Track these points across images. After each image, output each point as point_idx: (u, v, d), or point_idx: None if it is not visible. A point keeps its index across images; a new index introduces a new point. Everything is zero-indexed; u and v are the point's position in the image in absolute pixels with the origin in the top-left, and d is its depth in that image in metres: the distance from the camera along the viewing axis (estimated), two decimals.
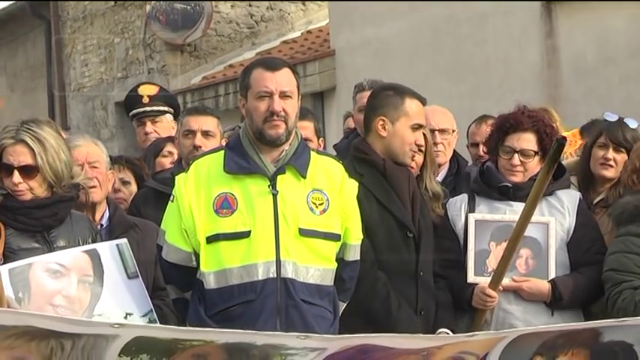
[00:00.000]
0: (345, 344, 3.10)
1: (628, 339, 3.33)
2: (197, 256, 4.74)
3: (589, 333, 3.42)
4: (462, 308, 5.35)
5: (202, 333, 3.25)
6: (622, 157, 5.89)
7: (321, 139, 7.22)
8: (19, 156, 4.68)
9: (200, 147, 5.82)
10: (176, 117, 7.86)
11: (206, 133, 6.01)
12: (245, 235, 4.58)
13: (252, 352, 3.08)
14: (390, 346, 3.17)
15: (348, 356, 3.08)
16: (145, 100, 8.13)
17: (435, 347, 3.23)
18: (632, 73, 11.34)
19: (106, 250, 4.82)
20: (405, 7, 15.00)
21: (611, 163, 5.87)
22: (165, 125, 7.90)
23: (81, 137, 6.49)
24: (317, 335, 3.54)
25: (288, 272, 4.60)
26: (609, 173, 5.86)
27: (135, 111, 8.14)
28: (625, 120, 6.30)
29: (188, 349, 3.05)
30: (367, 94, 6.19)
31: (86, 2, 21.06)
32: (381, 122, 5.33)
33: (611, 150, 5.81)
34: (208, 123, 6.10)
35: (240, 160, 4.73)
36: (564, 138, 5.35)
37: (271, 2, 19.04)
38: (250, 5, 18.90)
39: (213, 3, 17.78)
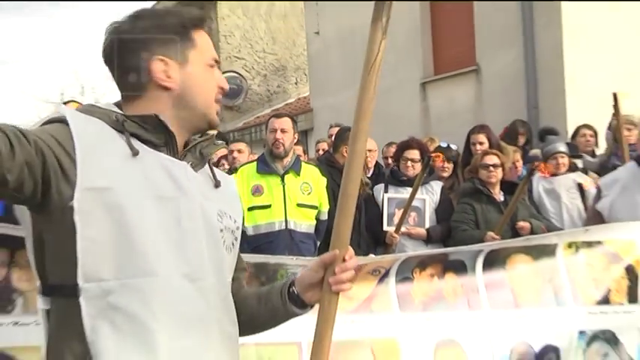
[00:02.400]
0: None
1: (464, 257, 3.73)
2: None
3: (442, 255, 3.88)
4: (380, 244, 6.69)
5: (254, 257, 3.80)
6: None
7: (305, 155, 8.91)
8: None
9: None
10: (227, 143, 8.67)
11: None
12: (267, 207, 6.17)
13: (269, 268, 3.57)
14: None
15: None
16: None
17: (364, 264, 3.59)
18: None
19: None
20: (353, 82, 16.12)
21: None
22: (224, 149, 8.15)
23: None
24: (303, 257, 4.38)
25: (291, 226, 6.17)
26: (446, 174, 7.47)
27: None
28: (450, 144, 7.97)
29: None
30: (335, 130, 7.83)
31: None
32: (345, 148, 6.63)
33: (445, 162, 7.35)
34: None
35: (265, 166, 6.30)
36: (430, 156, 6.87)
37: (279, 82, 22.37)
38: (268, 85, 22.06)
39: (248, 82, 21.51)
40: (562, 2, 11.44)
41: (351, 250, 2.36)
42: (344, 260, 2.36)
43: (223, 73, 18.95)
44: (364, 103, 2.39)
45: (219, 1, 22.20)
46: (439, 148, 7.82)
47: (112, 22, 2.21)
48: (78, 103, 8.39)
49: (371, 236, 6.69)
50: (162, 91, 2.18)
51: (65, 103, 7.89)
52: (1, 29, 77.58)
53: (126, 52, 2.16)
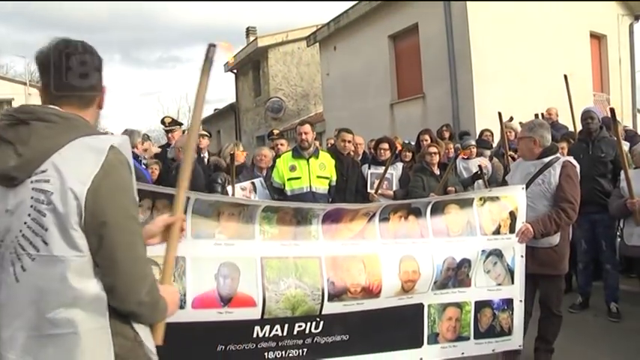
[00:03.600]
0: (331, 207, 3.39)
1: (420, 205, 3.61)
2: (282, 184, 5.99)
3: (407, 204, 3.65)
4: (366, 200, 6.28)
5: (285, 204, 3.66)
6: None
7: (321, 146, 8.23)
8: None
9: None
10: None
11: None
12: (299, 178, 5.96)
13: (303, 210, 3.30)
14: (347, 208, 3.47)
15: (332, 212, 3.34)
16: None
17: (360, 208, 3.46)
18: None
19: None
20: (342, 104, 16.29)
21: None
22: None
23: None
24: (323, 204, 4.28)
25: (313, 189, 5.92)
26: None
27: None
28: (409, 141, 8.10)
29: (281, 211, 3.24)
30: (336, 132, 7.26)
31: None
32: (339, 141, 6.62)
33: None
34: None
35: (297, 153, 6.08)
36: (396, 147, 6.93)
37: (304, 103, 22.19)
38: (297, 105, 21.89)
39: (284, 103, 21.35)
40: (472, 52, 11.31)
41: (182, 215, 2.13)
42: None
43: (270, 98, 18.89)
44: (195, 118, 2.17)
45: (269, 56, 22.18)
46: (402, 143, 7.79)
47: None
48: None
49: (360, 195, 6.52)
50: None
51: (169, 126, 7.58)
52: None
53: None
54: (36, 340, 1.56)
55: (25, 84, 37.62)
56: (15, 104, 36.15)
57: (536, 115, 7.03)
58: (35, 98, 37.69)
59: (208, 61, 2.12)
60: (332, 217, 3.32)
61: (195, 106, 2.22)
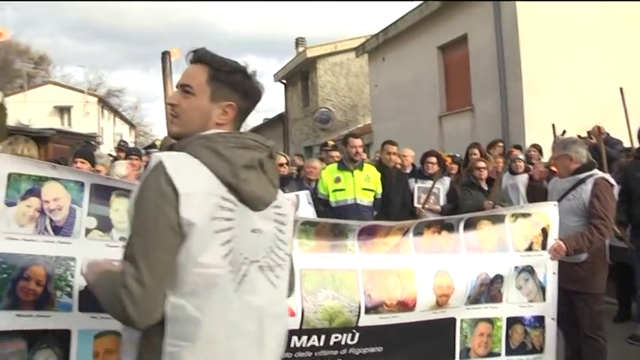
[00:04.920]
0: (367, 224, 3.49)
1: (453, 222, 3.69)
2: (327, 195, 6.09)
3: (440, 220, 3.79)
4: (412, 215, 6.31)
5: (330, 220, 3.69)
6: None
7: (367, 158, 8.15)
8: None
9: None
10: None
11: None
12: (343, 189, 6.03)
13: (339, 225, 3.39)
14: (382, 224, 3.54)
15: (367, 226, 3.44)
16: None
17: (396, 224, 3.57)
18: None
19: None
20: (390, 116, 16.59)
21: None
22: None
23: None
24: (359, 222, 3.82)
25: (358, 201, 5.98)
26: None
27: None
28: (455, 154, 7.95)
29: (318, 225, 3.33)
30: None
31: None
32: (384, 153, 6.79)
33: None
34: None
35: (342, 165, 6.17)
36: (444, 161, 6.92)
37: (352, 114, 22.43)
38: (346, 116, 22.19)
39: (332, 114, 21.68)
40: (522, 63, 11.10)
41: None
42: None
43: (319, 109, 19.05)
44: None
45: (318, 66, 22.49)
46: (449, 156, 7.79)
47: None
48: None
49: (406, 209, 6.58)
50: None
51: None
52: None
53: None
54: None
55: (83, 92, 39.35)
56: (73, 111, 37.97)
57: (588, 133, 6.86)
58: (91, 106, 39.06)
59: (167, 67, 2.31)
60: (368, 232, 3.42)
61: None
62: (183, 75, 1.77)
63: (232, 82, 1.74)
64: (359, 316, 3.22)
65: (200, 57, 1.76)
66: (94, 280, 1.76)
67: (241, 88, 1.76)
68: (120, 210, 2.73)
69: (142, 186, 1.61)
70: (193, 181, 1.59)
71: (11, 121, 24.52)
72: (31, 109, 33.30)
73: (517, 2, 11.15)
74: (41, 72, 45.52)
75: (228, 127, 1.76)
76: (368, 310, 3.23)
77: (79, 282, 2.52)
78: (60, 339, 2.54)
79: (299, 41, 25.57)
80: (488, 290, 3.65)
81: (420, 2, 14.17)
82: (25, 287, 2.48)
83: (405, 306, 3.35)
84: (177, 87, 1.77)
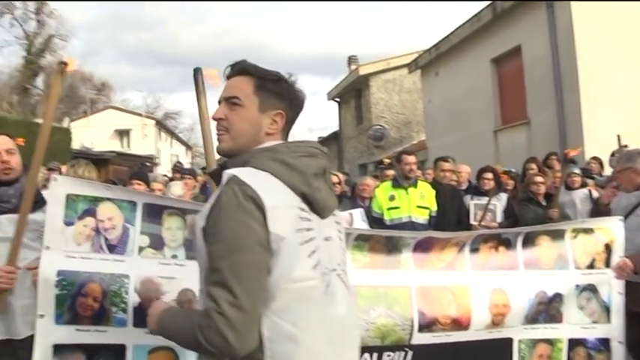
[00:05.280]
0: (422, 236, 3.43)
1: (510, 236, 3.62)
2: (381, 213, 6.02)
3: (497, 235, 3.71)
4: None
5: (384, 231, 3.86)
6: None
7: (423, 175, 7.78)
8: None
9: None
10: None
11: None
12: (398, 207, 5.94)
13: (394, 239, 3.32)
14: (437, 236, 3.46)
15: (422, 240, 3.35)
16: None
17: (451, 238, 3.45)
18: None
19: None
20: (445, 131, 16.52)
21: None
22: None
23: None
24: (413, 232, 3.92)
25: (413, 219, 5.91)
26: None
27: None
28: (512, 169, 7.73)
29: (372, 240, 3.28)
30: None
31: None
32: (438, 170, 6.75)
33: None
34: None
35: (397, 183, 6.09)
36: (500, 177, 6.74)
37: (406, 131, 22.30)
38: (400, 133, 22.10)
39: (386, 131, 21.59)
40: (579, 74, 10.73)
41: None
42: None
43: (372, 126, 19.01)
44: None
45: (370, 84, 22.52)
46: (506, 172, 7.56)
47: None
48: None
49: (462, 227, 6.24)
50: None
51: None
52: None
53: None
54: None
55: (141, 115, 40.80)
56: (132, 134, 39.41)
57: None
58: (149, 129, 40.28)
59: (200, 85, 2.34)
60: (423, 247, 3.35)
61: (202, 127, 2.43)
62: (227, 88, 1.74)
63: (278, 90, 1.72)
64: (412, 334, 3.16)
65: (244, 68, 1.74)
66: (165, 323, 1.65)
67: (287, 97, 1.74)
68: (171, 228, 2.80)
69: (217, 206, 1.54)
70: (273, 193, 1.54)
71: (75, 144, 25.79)
72: (93, 132, 35.07)
73: (572, 2, 10.78)
74: (103, 97, 47.81)
75: (279, 137, 1.73)
76: (421, 328, 3.18)
77: (133, 298, 2.63)
78: (116, 353, 2.63)
79: (351, 59, 25.70)
80: (547, 309, 3.51)
81: (473, 14, 14.03)
82: (83, 303, 2.59)
83: (459, 324, 3.27)
84: (220, 102, 1.74)
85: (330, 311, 1.64)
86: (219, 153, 1.78)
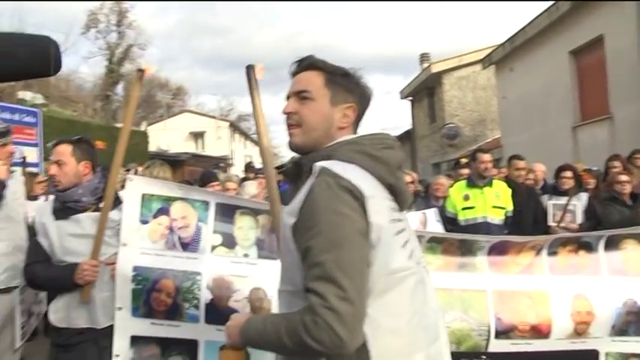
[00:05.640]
0: (497, 240, 3.31)
1: (591, 239, 3.35)
2: (455, 214, 5.88)
3: (577, 238, 3.46)
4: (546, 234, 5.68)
5: (457, 235, 3.59)
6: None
7: (499, 174, 7.24)
8: None
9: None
10: None
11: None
12: (473, 207, 5.78)
13: (467, 242, 3.24)
14: (513, 240, 3.35)
15: (497, 244, 3.24)
16: None
17: (527, 241, 3.30)
18: None
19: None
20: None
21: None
22: None
23: None
24: (488, 237, 3.71)
25: (488, 220, 5.73)
26: None
27: None
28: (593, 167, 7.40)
29: (445, 242, 3.21)
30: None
31: None
32: (512, 168, 6.50)
33: None
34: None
35: (471, 182, 5.95)
36: (580, 175, 6.50)
37: (481, 129, 21.82)
38: (474, 131, 21.72)
39: (460, 129, 21.23)
40: None
41: None
42: None
43: (446, 124, 18.76)
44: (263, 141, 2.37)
45: (443, 81, 22.17)
46: (586, 170, 7.31)
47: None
48: None
49: (539, 228, 6.03)
50: None
51: None
52: None
53: None
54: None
55: (215, 118, 42.00)
56: (207, 136, 40.63)
57: None
58: (223, 131, 41.42)
59: (253, 81, 2.36)
60: (498, 250, 3.24)
61: (257, 127, 2.44)
62: (296, 82, 1.72)
63: (348, 84, 1.71)
64: (488, 340, 3.05)
65: (312, 63, 1.72)
66: (251, 332, 1.57)
67: (357, 91, 1.72)
68: (243, 228, 2.85)
69: (310, 200, 1.50)
70: (366, 183, 1.52)
71: (152, 147, 26.92)
72: (169, 135, 36.41)
73: None
74: (178, 102, 49.87)
75: (351, 131, 1.72)
76: (498, 335, 3.06)
77: (205, 295, 2.71)
78: (189, 348, 2.73)
79: (423, 57, 25.40)
80: (637, 321, 3.24)
81: (550, 3, 13.48)
82: (157, 298, 2.70)
83: (539, 332, 3.11)
84: (289, 97, 1.72)
85: (424, 303, 1.63)
86: (291, 148, 1.74)
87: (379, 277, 1.49)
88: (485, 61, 18.12)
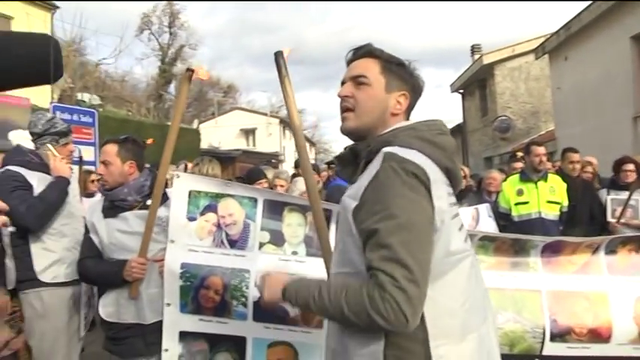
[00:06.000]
0: (551, 240, 3.19)
1: None
2: (508, 209, 5.67)
3: (638, 237, 3.27)
4: (604, 230, 5.78)
5: (510, 235, 3.39)
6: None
7: (552, 167, 7.09)
8: None
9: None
10: None
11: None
12: (526, 202, 5.60)
13: (521, 241, 3.13)
14: (568, 240, 3.21)
15: (550, 244, 3.14)
16: None
17: (583, 240, 3.19)
18: None
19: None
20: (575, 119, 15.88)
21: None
22: None
23: None
24: (542, 237, 3.42)
25: (543, 215, 5.53)
26: None
27: None
28: None
29: (498, 240, 3.11)
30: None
31: None
32: (566, 161, 6.31)
33: None
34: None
35: (524, 176, 5.74)
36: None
37: (534, 121, 21.13)
38: (527, 123, 21.05)
39: (512, 122, 20.61)
40: None
41: None
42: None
43: (498, 117, 18.27)
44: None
45: (495, 73, 21.66)
46: None
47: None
48: None
49: (596, 224, 5.98)
50: None
51: None
52: None
53: None
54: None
55: (265, 114, 42.39)
56: (258, 132, 41.12)
57: None
58: (274, 127, 41.88)
59: (282, 68, 2.35)
60: (552, 249, 3.13)
61: (290, 119, 2.43)
62: (353, 68, 1.77)
63: (403, 73, 1.76)
64: (543, 343, 2.96)
65: (370, 51, 1.77)
66: (305, 286, 1.65)
67: (410, 80, 1.77)
68: (292, 225, 2.83)
69: (375, 184, 1.55)
70: (429, 168, 1.56)
71: (204, 144, 27.41)
72: (220, 132, 36.99)
73: None
74: (229, 99, 50.70)
75: (403, 117, 1.77)
76: (554, 337, 2.96)
77: (253, 293, 2.70)
78: (237, 344, 2.73)
79: (474, 48, 24.76)
80: None
81: None
82: (205, 295, 2.71)
83: (597, 335, 2.99)
84: (344, 82, 1.77)
85: (476, 284, 1.68)
86: (343, 132, 1.77)
87: (440, 259, 1.54)
88: (539, 51, 17.54)
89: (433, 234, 1.53)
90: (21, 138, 3.56)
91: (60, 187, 3.31)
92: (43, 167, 3.37)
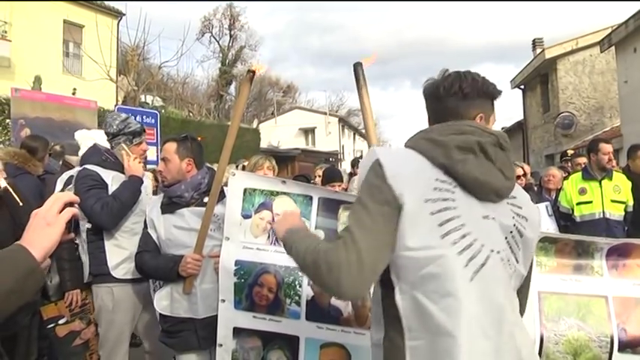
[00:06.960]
0: (618, 242, 3.00)
1: None
2: (570, 209, 5.53)
3: None
4: None
5: (573, 236, 3.16)
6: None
7: (617, 165, 6.80)
8: None
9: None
10: None
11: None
12: (590, 202, 5.38)
13: (584, 243, 2.94)
14: (636, 243, 3.01)
15: (618, 245, 2.96)
16: None
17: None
18: None
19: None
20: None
21: None
22: None
23: None
24: (608, 239, 3.13)
25: (607, 215, 5.37)
26: None
27: None
28: None
29: (560, 242, 2.94)
30: None
31: None
32: (636, 160, 6.04)
33: None
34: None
35: (587, 174, 5.58)
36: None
37: (598, 117, 20.31)
38: (590, 119, 20.16)
39: (575, 118, 19.74)
40: None
41: None
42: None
43: (560, 113, 17.61)
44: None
45: (558, 67, 20.91)
46: None
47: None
48: None
49: None
50: None
51: None
52: None
53: None
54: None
55: (325, 114, 42.49)
56: (317, 131, 41.32)
57: None
58: (333, 126, 42.01)
59: (361, 78, 2.33)
60: (619, 252, 2.93)
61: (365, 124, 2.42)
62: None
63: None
64: (611, 353, 2.77)
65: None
66: (299, 237, 1.75)
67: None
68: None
69: (361, 171, 1.68)
70: (400, 163, 1.60)
71: (264, 143, 27.76)
72: (280, 132, 37.36)
73: None
74: (289, 99, 51.14)
75: None
76: (623, 347, 2.77)
77: (306, 292, 2.67)
78: (290, 343, 2.70)
79: (536, 42, 23.90)
80: None
81: None
82: (259, 293, 2.72)
83: None
84: None
85: (484, 294, 1.54)
86: None
87: (399, 251, 1.52)
88: (604, 43, 16.78)
89: (393, 216, 1.52)
90: (86, 138, 3.68)
91: (134, 186, 3.39)
92: (118, 166, 3.47)
